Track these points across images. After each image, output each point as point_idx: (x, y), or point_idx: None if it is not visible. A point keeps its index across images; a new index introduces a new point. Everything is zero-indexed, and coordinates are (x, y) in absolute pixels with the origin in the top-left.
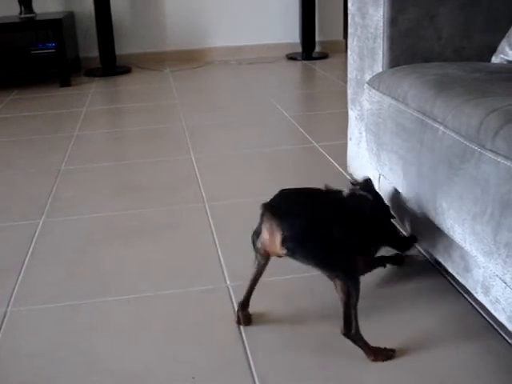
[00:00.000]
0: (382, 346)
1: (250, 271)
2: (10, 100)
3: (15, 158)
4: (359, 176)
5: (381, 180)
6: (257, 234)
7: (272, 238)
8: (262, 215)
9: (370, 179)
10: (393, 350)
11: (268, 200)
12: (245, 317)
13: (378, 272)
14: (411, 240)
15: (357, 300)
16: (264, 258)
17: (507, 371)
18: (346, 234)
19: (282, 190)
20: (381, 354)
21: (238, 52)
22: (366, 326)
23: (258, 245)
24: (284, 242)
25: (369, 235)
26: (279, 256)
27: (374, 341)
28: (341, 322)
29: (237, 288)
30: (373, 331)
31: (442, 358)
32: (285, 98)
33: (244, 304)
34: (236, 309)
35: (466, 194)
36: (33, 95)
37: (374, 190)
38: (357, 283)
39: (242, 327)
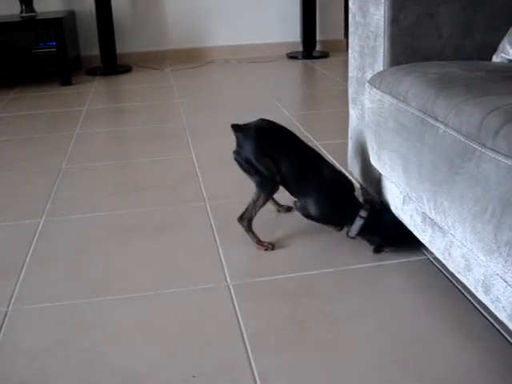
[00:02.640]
0: (382, 345)
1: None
2: (10, 99)
3: (16, 157)
4: (359, 176)
5: (382, 179)
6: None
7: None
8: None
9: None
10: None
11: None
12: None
13: (378, 271)
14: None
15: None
16: None
17: (508, 370)
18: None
19: (263, 120)
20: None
21: (238, 51)
22: (366, 325)
23: None
24: (235, 156)
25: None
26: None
27: (370, 340)
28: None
29: (237, 287)
30: (373, 330)
31: (441, 357)
32: (285, 97)
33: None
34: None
35: (467, 192)
36: (34, 94)
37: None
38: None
39: (242, 326)
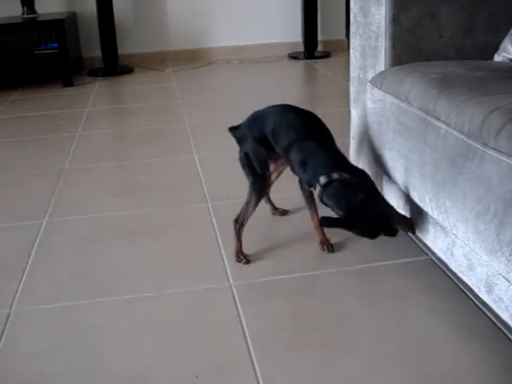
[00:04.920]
0: (384, 345)
1: None
2: (12, 100)
3: (18, 158)
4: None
5: (383, 179)
6: None
7: None
8: None
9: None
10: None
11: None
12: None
13: (380, 271)
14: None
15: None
16: None
17: (510, 370)
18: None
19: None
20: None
21: (240, 51)
22: (368, 325)
23: None
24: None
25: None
26: None
27: (373, 339)
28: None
29: (240, 287)
30: (375, 330)
31: (443, 357)
32: (287, 97)
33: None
34: None
35: (469, 192)
36: (35, 95)
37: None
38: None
39: (245, 327)
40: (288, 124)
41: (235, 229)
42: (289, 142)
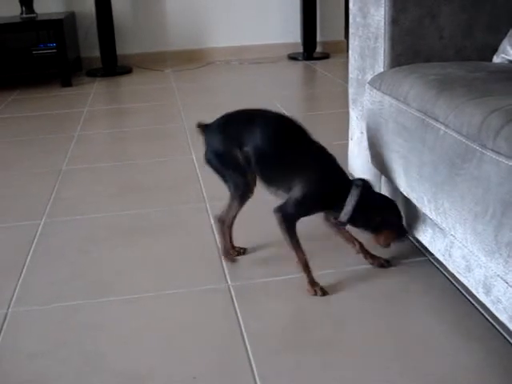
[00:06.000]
0: (383, 345)
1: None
2: (11, 100)
3: (17, 158)
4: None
5: (382, 179)
6: None
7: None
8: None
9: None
10: (324, 291)
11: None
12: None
13: (378, 272)
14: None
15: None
16: None
17: (508, 371)
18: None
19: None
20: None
21: (239, 52)
22: (366, 326)
23: None
24: (205, 156)
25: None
26: None
27: (371, 340)
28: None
29: (238, 288)
30: (373, 330)
31: (442, 357)
32: (286, 98)
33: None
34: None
35: (468, 193)
36: (34, 95)
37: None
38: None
39: (243, 327)
40: (279, 155)
41: (217, 228)
42: (290, 177)
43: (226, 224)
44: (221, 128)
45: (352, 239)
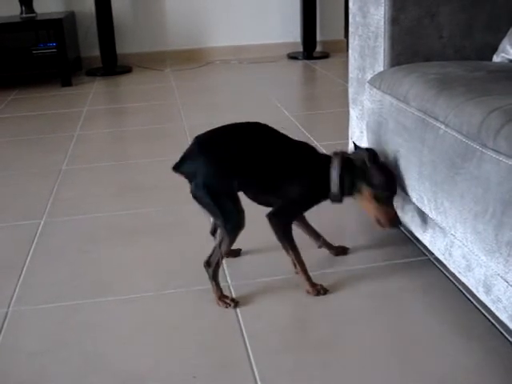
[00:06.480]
0: (383, 345)
1: None
2: (11, 100)
3: (16, 158)
4: None
5: None
6: None
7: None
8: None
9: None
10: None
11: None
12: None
13: (378, 271)
14: None
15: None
16: None
17: (508, 370)
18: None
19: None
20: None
21: (238, 51)
22: (366, 325)
23: None
24: (191, 191)
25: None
26: None
27: (371, 340)
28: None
29: (238, 287)
30: (373, 330)
31: (442, 357)
32: (286, 98)
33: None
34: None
35: (468, 193)
36: (34, 95)
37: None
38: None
39: (243, 327)
40: (264, 171)
41: (208, 273)
42: (278, 185)
43: (218, 265)
44: (201, 156)
45: (315, 234)
